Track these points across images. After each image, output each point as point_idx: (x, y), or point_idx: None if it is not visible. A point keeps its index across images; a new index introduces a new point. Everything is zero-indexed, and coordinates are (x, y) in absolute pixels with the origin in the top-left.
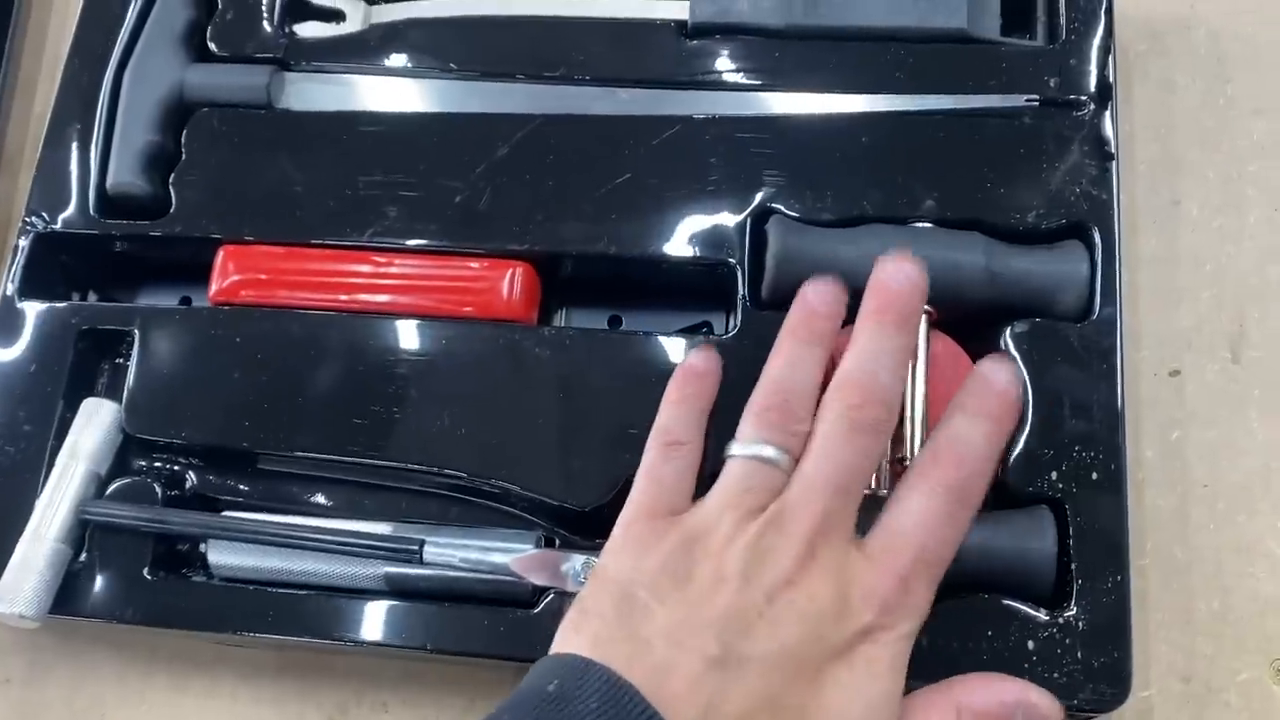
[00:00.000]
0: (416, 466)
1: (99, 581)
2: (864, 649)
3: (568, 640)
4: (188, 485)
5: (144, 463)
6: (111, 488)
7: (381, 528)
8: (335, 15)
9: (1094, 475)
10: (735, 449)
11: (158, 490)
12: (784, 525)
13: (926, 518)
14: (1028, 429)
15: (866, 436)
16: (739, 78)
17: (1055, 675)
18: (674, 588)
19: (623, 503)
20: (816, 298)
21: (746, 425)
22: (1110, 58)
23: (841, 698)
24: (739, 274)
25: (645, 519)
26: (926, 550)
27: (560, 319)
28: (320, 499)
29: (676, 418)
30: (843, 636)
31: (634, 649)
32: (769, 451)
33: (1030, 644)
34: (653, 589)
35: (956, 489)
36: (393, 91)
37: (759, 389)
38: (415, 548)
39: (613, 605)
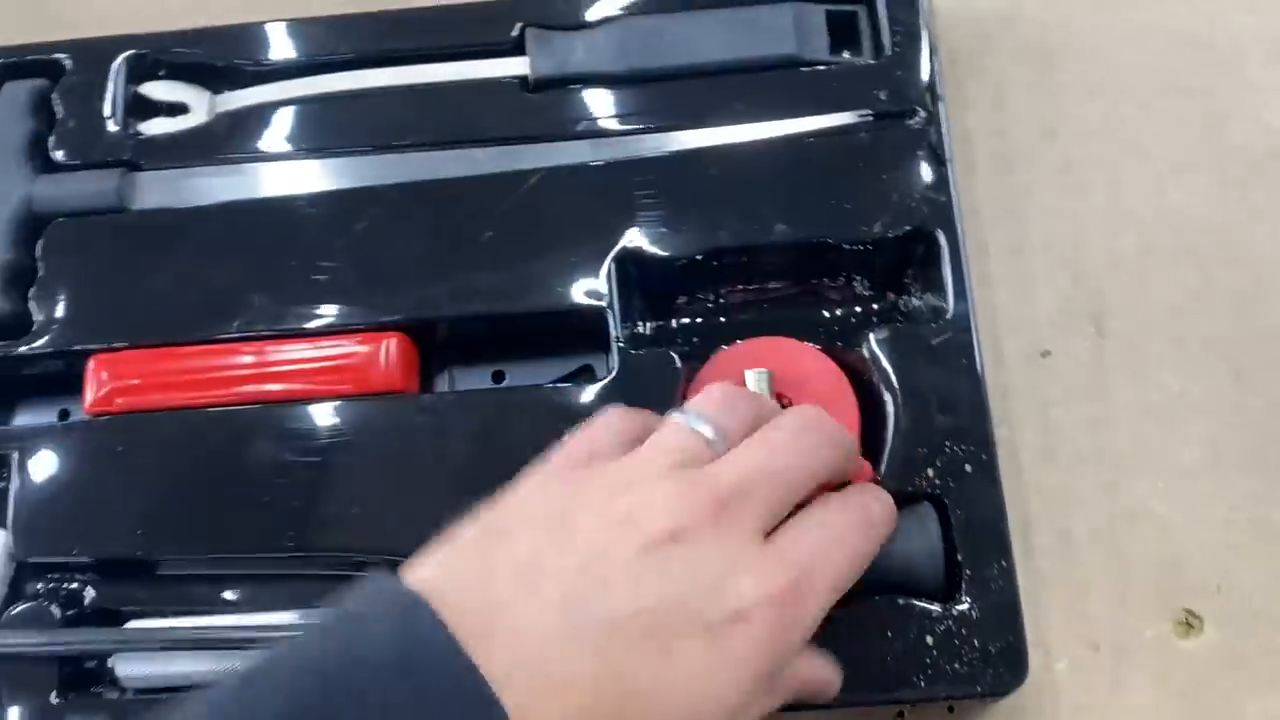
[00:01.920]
0: (315, 553)
1: (4, 716)
2: (732, 633)
3: (411, 566)
4: (87, 601)
5: (39, 585)
6: (5, 616)
7: (288, 616)
8: (179, 109)
9: (967, 467)
10: (674, 415)
11: (55, 612)
12: (697, 483)
13: (838, 531)
14: (902, 432)
15: (816, 438)
16: (586, 125)
17: (956, 666)
18: (548, 519)
19: None
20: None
21: (691, 401)
22: (934, 65)
23: (688, 674)
24: (609, 316)
25: (557, 460)
26: (830, 562)
27: (445, 381)
28: (226, 595)
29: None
30: (712, 614)
31: (472, 578)
32: (707, 430)
33: (929, 639)
34: (526, 517)
35: (867, 519)
36: (246, 179)
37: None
38: None
39: (478, 531)
